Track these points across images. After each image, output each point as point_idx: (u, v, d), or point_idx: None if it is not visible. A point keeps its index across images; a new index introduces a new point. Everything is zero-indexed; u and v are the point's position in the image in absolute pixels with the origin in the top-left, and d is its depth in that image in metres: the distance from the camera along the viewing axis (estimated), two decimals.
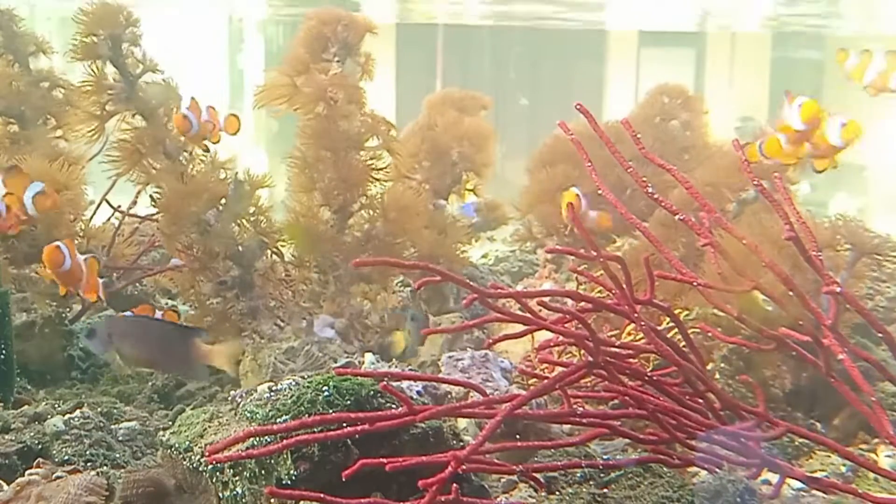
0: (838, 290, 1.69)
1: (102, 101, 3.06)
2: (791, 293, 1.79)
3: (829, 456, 2.28)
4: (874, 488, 2.03)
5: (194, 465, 1.88)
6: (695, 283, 1.86)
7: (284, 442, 1.64)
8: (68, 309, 3.38)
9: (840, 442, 2.25)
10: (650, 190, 1.80)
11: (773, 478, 1.89)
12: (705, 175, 3.29)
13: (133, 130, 3.08)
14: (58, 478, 2.04)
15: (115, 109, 3.08)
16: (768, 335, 1.88)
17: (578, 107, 1.79)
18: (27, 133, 3.52)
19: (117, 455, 2.33)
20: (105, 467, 2.21)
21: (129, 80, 3.08)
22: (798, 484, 1.93)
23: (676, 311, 2.07)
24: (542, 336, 2.01)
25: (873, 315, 1.83)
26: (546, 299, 1.72)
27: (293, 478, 1.70)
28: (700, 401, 1.85)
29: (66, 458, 2.26)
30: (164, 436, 1.99)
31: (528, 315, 1.76)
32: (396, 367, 2.71)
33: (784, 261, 2.17)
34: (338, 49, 3.21)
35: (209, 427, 1.94)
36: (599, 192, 1.82)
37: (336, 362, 2.75)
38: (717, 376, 2.50)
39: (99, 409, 2.62)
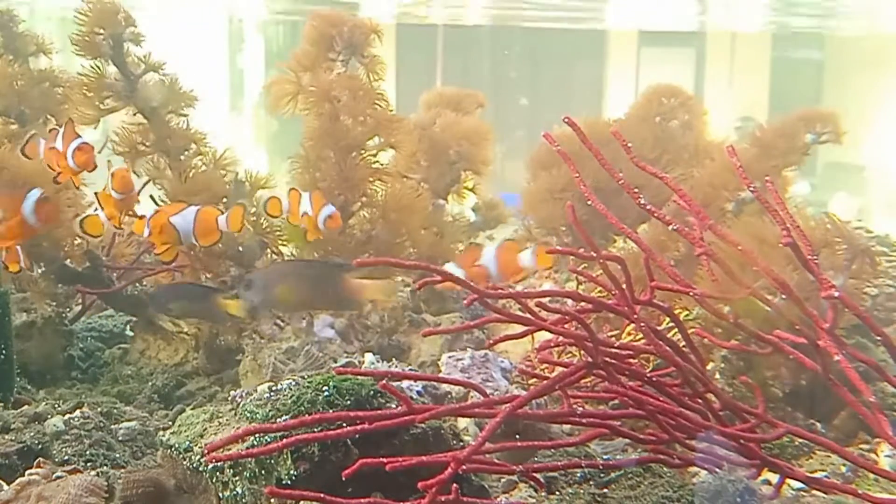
0: (836, 294, 1.69)
1: (102, 97, 3.07)
2: (788, 297, 1.79)
3: (829, 456, 2.27)
4: (874, 488, 2.03)
5: (194, 465, 1.88)
6: (691, 293, 1.85)
7: (284, 441, 1.64)
8: (68, 309, 3.38)
9: (840, 442, 2.25)
10: (642, 200, 1.79)
11: (773, 478, 1.89)
12: (704, 175, 3.30)
13: (135, 126, 3.09)
14: (58, 478, 2.04)
15: (114, 106, 3.08)
16: (765, 340, 1.88)
17: (566, 120, 1.78)
18: (27, 133, 3.52)
19: (117, 455, 2.33)
20: (105, 467, 2.21)
21: (129, 79, 3.08)
22: (798, 484, 1.93)
23: (676, 312, 2.06)
24: (542, 336, 2.01)
25: (871, 318, 1.83)
26: (546, 300, 1.72)
27: (293, 478, 1.70)
28: (700, 401, 1.85)
29: (66, 458, 2.26)
30: (164, 436, 1.99)
31: (528, 316, 1.76)
32: (396, 366, 2.71)
33: (783, 260, 2.18)
34: (343, 49, 3.22)
35: (209, 427, 1.94)
36: (589, 202, 1.81)
37: (336, 362, 2.75)
38: (717, 376, 2.50)
39: (99, 409, 2.62)
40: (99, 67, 3.06)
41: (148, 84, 3.11)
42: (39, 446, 2.28)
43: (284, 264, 2.90)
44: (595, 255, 1.78)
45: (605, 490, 1.81)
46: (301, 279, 2.65)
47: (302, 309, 2.93)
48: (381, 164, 3.28)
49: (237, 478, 1.77)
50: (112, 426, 2.48)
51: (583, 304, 1.84)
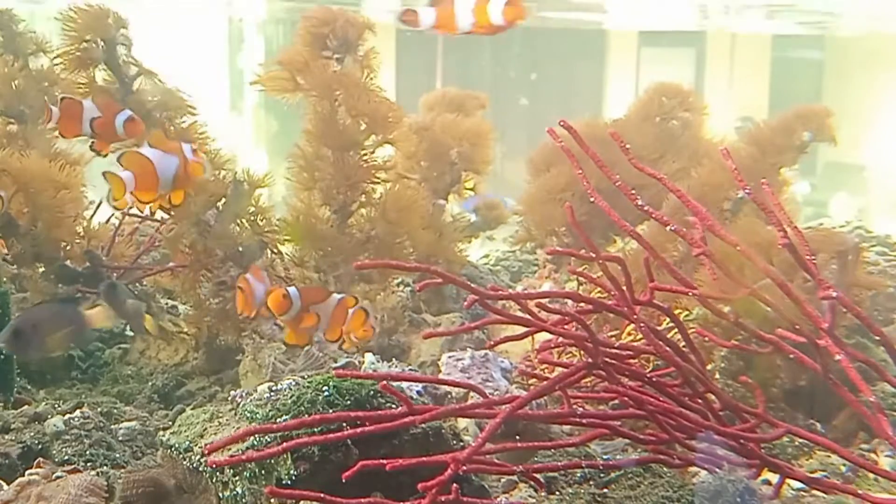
0: (834, 294, 1.69)
1: None
2: (787, 297, 1.79)
3: (829, 456, 2.28)
4: (874, 488, 2.03)
5: (194, 465, 1.88)
6: (691, 293, 1.85)
7: (284, 445, 1.64)
8: None
9: (840, 442, 2.25)
10: (640, 202, 1.79)
11: (774, 478, 1.89)
12: (702, 174, 3.29)
13: None
14: (58, 478, 2.04)
15: None
16: (765, 339, 1.88)
17: (563, 123, 1.78)
18: (27, 133, 3.51)
19: (117, 455, 2.33)
20: (105, 467, 2.21)
21: (123, 81, 3.08)
22: (798, 484, 1.93)
23: (676, 312, 2.07)
24: (543, 337, 2.01)
25: (870, 318, 1.83)
26: (546, 300, 1.72)
27: (293, 478, 1.70)
28: (700, 401, 1.85)
29: (66, 458, 2.26)
30: (164, 436, 1.99)
31: (528, 316, 1.76)
32: (396, 366, 2.71)
33: (782, 262, 2.17)
34: (337, 46, 3.21)
35: (209, 427, 1.94)
36: (592, 200, 1.81)
37: (336, 362, 2.75)
38: (717, 376, 2.50)
39: (99, 409, 2.62)
40: (91, 76, 3.06)
41: (143, 86, 3.11)
42: (39, 446, 2.28)
43: (32, 313, 2.70)
44: (595, 255, 1.78)
45: (605, 490, 1.81)
46: (53, 324, 2.58)
47: (58, 352, 2.77)
48: (380, 163, 3.27)
49: (237, 478, 1.77)
50: (112, 426, 2.49)
51: (583, 304, 1.84)
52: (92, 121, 2.70)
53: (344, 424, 1.65)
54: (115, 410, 2.71)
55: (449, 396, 2.37)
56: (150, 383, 3.06)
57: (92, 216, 3.46)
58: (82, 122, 2.72)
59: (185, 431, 1.95)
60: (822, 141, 3.31)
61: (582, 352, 1.77)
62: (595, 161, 1.78)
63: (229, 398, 2.05)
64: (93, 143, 2.80)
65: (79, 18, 3.01)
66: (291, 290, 2.62)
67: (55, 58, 3.09)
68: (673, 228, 1.81)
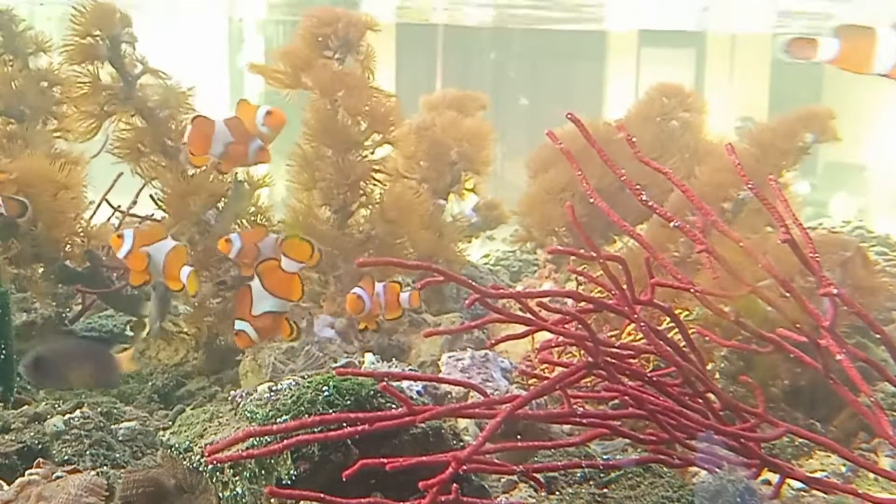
0: (835, 291, 1.69)
1: (101, 102, 3.07)
2: (789, 294, 1.79)
3: (829, 456, 2.28)
4: (874, 488, 2.03)
5: (194, 465, 1.88)
6: (692, 290, 1.85)
7: (285, 442, 1.64)
8: (68, 309, 3.38)
9: (840, 442, 2.25)
10: (644, 197, 1.79)
11: (774, 478, 1.89)
12: (704, 174, 3.29)
13: (133, 130, 3.08)
14: (58, 478, 2.04)
15: (113, 110, 3.08)
16: (767, 338, 1.88)
17: (570, 116, 1.78)
18: (27, 133, 3.52)
19: (117, 455, 2.33)
20: (105, 467, 2.21)
21: (127, 80, 3.08)
22: (798, 484, 1.93)
23: (677, 312, 2.06)
24: (543, 336, 2.01)
25: (871, 316, 1.83)
26: (546, 300, 1.72)
27: (293, 478, 1.70)
28: (700, 401, 1.85)
29: (66, 458, 2.26)
30: (164, 436, 1.99)
31: (529, 316, 1.76)
32: (396, 366, 2.71)
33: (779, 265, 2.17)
34: (338, 46, 3.22)
35: (209, 427, 1.94)
36: (591, 201, 1.81)
37: (336, 362, 2.75)
38: (717, 376, 2.50)
39: (99, 409, 2.62)
40: (94, 72, 3.06)
41: (146, 85, 3.11)
42: (39, 446, 2.28)
43: (61, 344, 2.85)
44: (595, 255, 1.78)
45: (605, 490, 1.81)
46: (81, 359, 2.68)
47: (78, 388, 2.87)
48: (380, 164, 3.28)
49: (237, 478, 1.77)
50: (112, 426, 2.48)
51: (583, 304, 1.84)
52: (227, 145, 2.72)
53: (344, 424, 1.65)
54: (115, 410, 2.70)
55: (449, 396, 2.37)
56: (150, 383, 3.05)
57: (92, 216, 3.47)
58: (212, 143, 2.73)
59: (185, 431, 1.95)
60: (824, 142, 3.31)
61: (582, 351, 1.77)
62: (601, 155, 1.79)
63: (229, 398, 2.05)
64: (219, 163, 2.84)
65: (85, 14, 3.01)
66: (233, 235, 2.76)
67: (61, 50, 3.08)
68: (677, 224, 1.81)
